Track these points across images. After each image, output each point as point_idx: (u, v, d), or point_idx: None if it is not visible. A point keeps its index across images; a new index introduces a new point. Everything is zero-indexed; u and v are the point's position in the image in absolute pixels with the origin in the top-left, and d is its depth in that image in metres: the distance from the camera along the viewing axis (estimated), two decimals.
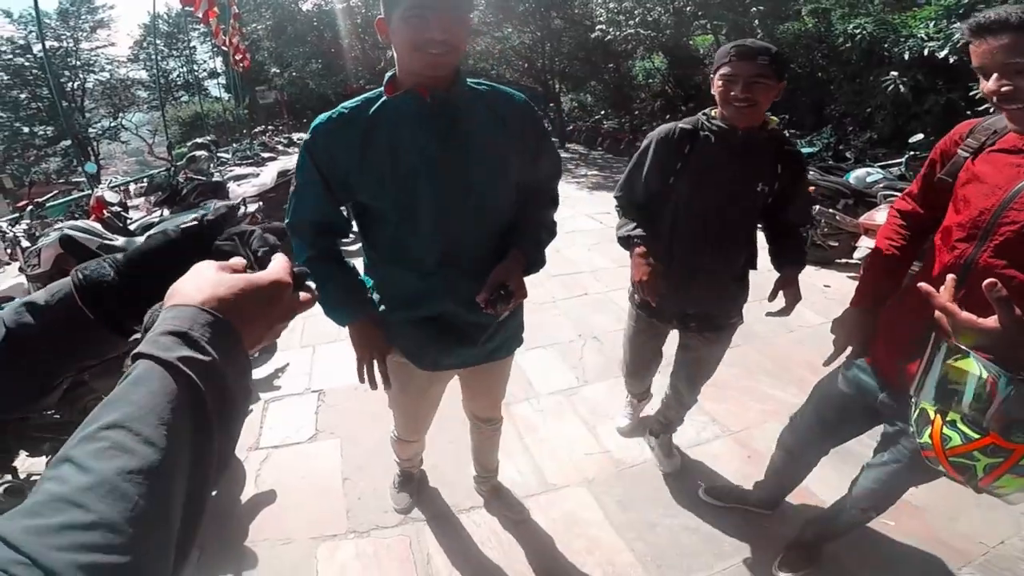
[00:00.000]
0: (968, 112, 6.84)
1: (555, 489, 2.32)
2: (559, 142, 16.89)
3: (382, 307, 1.44)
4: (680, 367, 2.15)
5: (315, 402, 3.02)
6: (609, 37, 11.37)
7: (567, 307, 4.17)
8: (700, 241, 1.76)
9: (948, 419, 0.98)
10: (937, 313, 0.92)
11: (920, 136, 5.64)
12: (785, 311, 1.78)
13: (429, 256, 1.29)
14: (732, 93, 1.54)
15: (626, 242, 1.82)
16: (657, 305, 1.86)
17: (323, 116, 1.25)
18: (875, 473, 1.55)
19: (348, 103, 1.25)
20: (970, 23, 1.09)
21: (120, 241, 3.79)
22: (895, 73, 7.83)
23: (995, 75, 1.06)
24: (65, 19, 32.02)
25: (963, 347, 0.92)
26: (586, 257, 5.43)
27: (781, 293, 1.79)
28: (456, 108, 1.21)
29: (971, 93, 6.88)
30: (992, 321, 0.86)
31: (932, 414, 1.00)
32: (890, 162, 5.92)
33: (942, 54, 7.14)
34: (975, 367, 0.91)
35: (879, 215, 4.10)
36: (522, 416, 2.82)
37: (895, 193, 4.31)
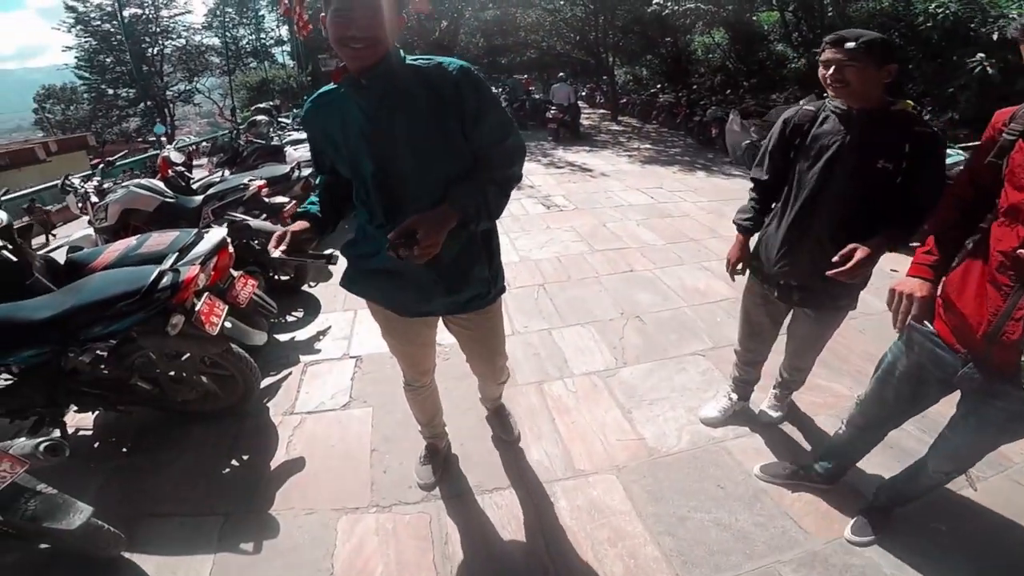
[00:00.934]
0: None
1: (583, 475, 2.25)
2: (611, 115, 16.47)
3: (357, 259, 1.63)
4: (789, 337, 2.28)
5: (352, 368, 3.04)
6: (667, 11, 10.87)
7: (610, 283, 4.04)
8: (815, 213, 1.84)
9: None
10: None
11: None
12: (845, 272, 1.61)
13: (376, 214, 1.49)
14: (825, 76, 1.69)
15: (737, 227, 2.13)
16: (765, 269, 2.04)
17: (310, 100, 1.52)
18: (959, 438, 1.57)
19: (326, 87, 1.49)
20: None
21: (179, 199, 3.94)
22: (982, 55, 7.22)
23: None
24: None
25: None
26: (634, 232, 5.27)
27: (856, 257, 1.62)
28: (388, 86, 1.35)
29: None
30: None
31: None
32: (972, 143, 5.45)
33: None
34: None
35: None
36: (554, 396, 2.76)
37: None
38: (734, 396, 2.54)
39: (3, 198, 2.98)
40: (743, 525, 1.99)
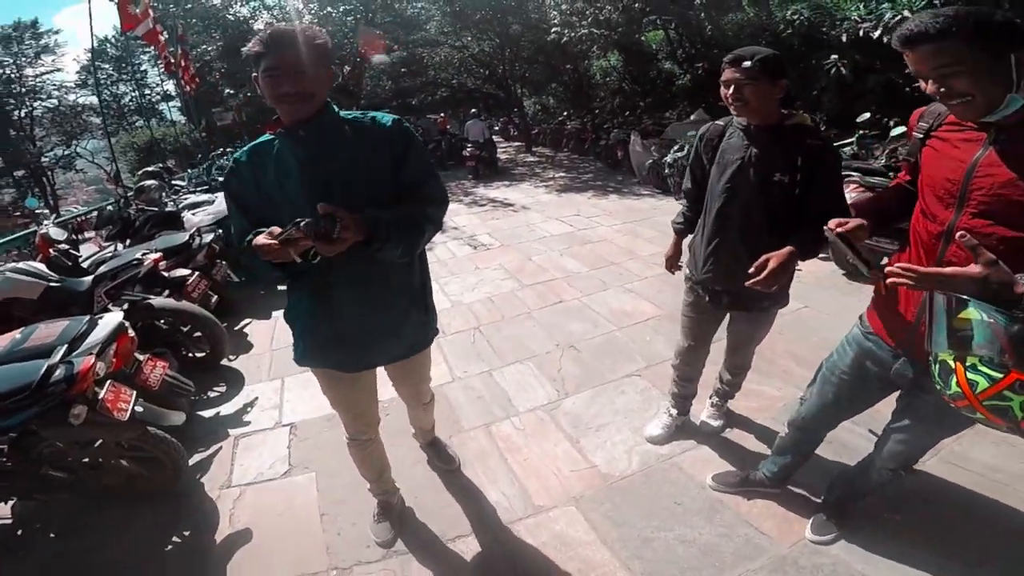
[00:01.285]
0: (907, 89, 7.07)
1: (543, 511, 2.22)
2: (525, 146, 16.72)
3: (300, 335, 1.75)
4: (728, 336, 2.39)
5: (287, 436, 2.88)
6: (565, 39, 11.35)
7: (542, 317, 4.06)
8: (725, 223, 1.97)
9: (968, 364, 1.07)
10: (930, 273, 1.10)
11: (867, 115, 5.71)
12: (760, 282, 1.62)
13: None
14: (726, 95, 1.82)
15: (673, 228, 2.34)
16: (694, 277, 2.17)
17: (240, 153, 1.54)
18: (899, 435, 1.62)
19: (257, 141, 1.53)
20: (897, 36, 1.22)
21: (67, 282, 3.56)
22: (835, 56, 8.02)
23: (929, 80, 1.21)
24: (7, 45, 30.83)
25: (961, 296, 1.05)
26: (559, 263, 5.33)
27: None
28: (323, 136, 1.45)
29: (907, 71, 7.15)
30: (973, 268, 1.05)
31: (952, 363, 1.10)
32: (842, 142, 6.00)
33: (876, 34, 7.36)
34: (976, 313, 1.03)
35: None
36: (503, 436, 2.72)
37: (851, 173, 4.34)
38: (674, 412, 2.58)
39: None
40: (707, 538, 2.02)
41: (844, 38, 7.81)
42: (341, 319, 1.62)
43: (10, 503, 2.51)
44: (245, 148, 1.54)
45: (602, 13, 10.86)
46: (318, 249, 1.29)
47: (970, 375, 1.07)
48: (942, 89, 1.19)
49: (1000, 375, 1.03)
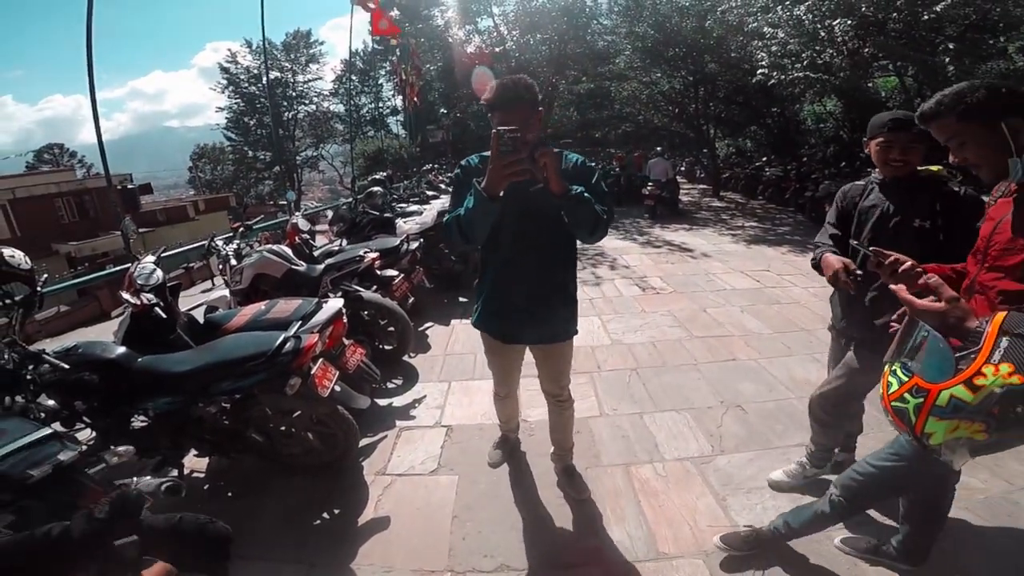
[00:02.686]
0: None
1: (666, 558, 2.16)
2: (712, 190, 15.99)
3: (480, 304, 2.24)
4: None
5: (442, 437, 3.15)
6: (773, 81, 10.48)
7: (708, 371, 3.86)
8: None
9: (892, 368, 1.22)
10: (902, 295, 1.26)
11: None
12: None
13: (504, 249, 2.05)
14: (891, 156, 1.92)
15: (816, 264, 2.11)
16: (842, 328, 2.23)
17: (476, 157, 2.05)
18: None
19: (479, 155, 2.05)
20: (916, 116, 1.46)
21: (303, 267, 4.30)
22: None
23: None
24: (287, 51, 37.63)
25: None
26: (737, 319, 4.97)
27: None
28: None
29: None
30: (937, 304, 1.19)
31: (888, 364, 1.26)
32: None
33: None
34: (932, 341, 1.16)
35: None
36: (642, 478, 2.68)
37: None
38: (809, 462, 2.53)
39: (163, 256, 3.40)
40: None
41: None
42: (506, 300, 2.12)
43: (208, 459, 2.91)
44: (475, 158, 2.06)
45: (821, 56, 9.94)
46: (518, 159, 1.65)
47: (890, 378, 1.21)
48: (958, 159, 1.40)
49: (906, 378, 1.17)
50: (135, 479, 1.77)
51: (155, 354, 2.56)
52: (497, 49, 18.28)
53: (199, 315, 3.31)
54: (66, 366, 2.29)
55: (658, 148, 15.70)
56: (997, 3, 8.68)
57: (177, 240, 11.73)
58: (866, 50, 9.79)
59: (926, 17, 8.68)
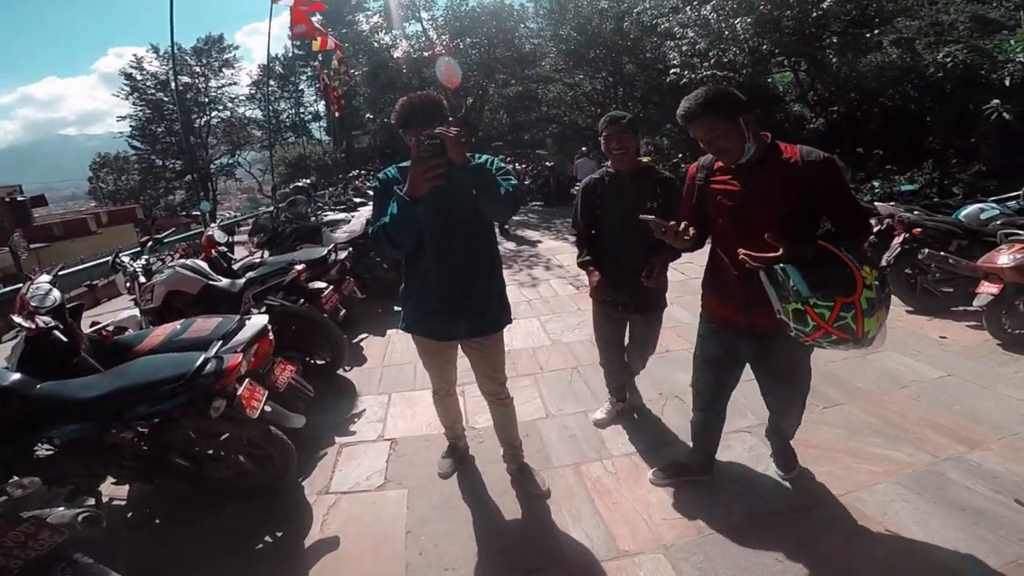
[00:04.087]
0: None
1: (627, 555, 2.14)
2: None
3: (407, 309, 2.31)
4: (630, 342, 2.99)
5: (387, 451, 3.02)
6: (684, 80, 10.94)
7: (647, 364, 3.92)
8: (620, 247, 2.66)
9: (813, 304, 1.64)
10: (749, 262, 1.76)
11: None
12: (650, 278, 2.55)
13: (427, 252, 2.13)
14: (611, 146, 2.56)
15: (584, 267, 2.79)
16: (603, 295, 2.74)
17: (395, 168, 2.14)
18: (774, 393, 2.27)
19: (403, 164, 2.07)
20: (677, 115, 1.93)
21: (222, 282, 4.02)
22: (997, 101, 7.17)
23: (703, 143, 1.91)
24: (198, 56, 35.58)
25: (779, 267, 1.71)
26: (668, 311, 5.04)
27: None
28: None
29: None
30: (772, 253, 1.72)
31: (803, 308, 1.66)
32: (1005, 196, 5.33)
33: None
34: (790, 273, 1.68)
35: (1003, 257, 3.64)
36: (593, 477, 2.67)
37: (1018, 231, 3.85)
38: (615, 401, 3.18)
39: (60, 274, 3.11)
40: None
41: (1008, 82, 7.06)
42: (435, 299, 2.17)
43: (128, 486, 2.75)
44: (395, 167, 2.15)
45: (726, 55, 10.51)
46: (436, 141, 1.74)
47: (817, 311, 1.63)
48: (714, 149, 1.91)
49: (832, 303, 1.61)
50: (48, 511, 1.66)
51: (58, 379, 2.36)
52: (426, 53, 18.08)
53: None
54: None
55: (583, 148, 16.08)
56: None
57: (77, 256, 10.71)
58: (764, 47, 10.40)
59: (815, 14, 9.42)
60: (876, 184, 7.09)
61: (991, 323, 3.78)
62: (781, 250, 1.69)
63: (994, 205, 4.73)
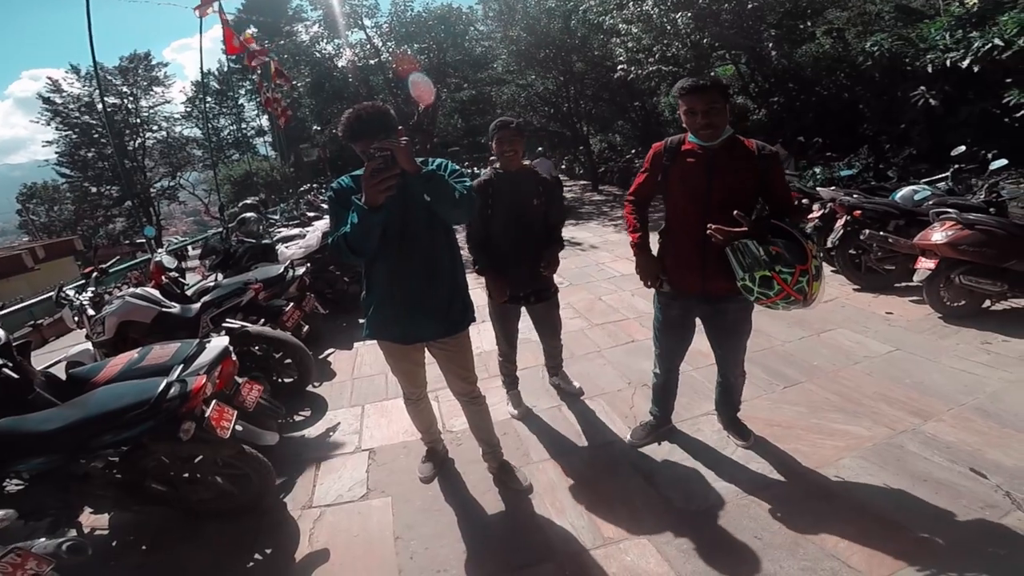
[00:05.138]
0: (1006, 119, 6.62)
1: (613, 542, 2.20)
2: (592, 184, 16.75)
3: (369, 316, 2.29)
4: (540, 329, 3.29)
5: (366, 461, 3.01)
6: (631, 76, 11.31)
7: (613, 355, 4.02)
8: (513, 243, 2.85)
9: (778, 270, 1.94)
10: (717, 236, 2.07)
11: (962, 148, 5.35)
12: (548, 268, 2.90)
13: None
14: (503, 148, 2.79)
15: (482, 272, 2.91)
16: (501, 293, 2.88)
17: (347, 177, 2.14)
18: (725, 347, 2.53)
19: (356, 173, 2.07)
20: (680, 87, 2.20)
21: (176, 309, 3.88)
22: (923, 88, 7.62)
23: (699, 114, 2.14)
24: (124, 76, 33.15)
25: (741, 241, 2.04)
26: (630, 303, 5.22)
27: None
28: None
29: (1004, 100, 6.66)
30: (739, 228, 2.04)
31: (769, 274, 1.96)
32: (935, 177, 5.69)
33: (965, 63, 6.96)
34: (752, 246, 2.00)
35: (936, 234, 3.89)
36: (573, 469, 2.72)
37: (947, 210, 4.12)
38: (510, 384, 3.36)
39: (1, 314, 2.99)
40: (790, 572, 1.96)
41: (930, 69, 7.48)
42: (399, 303, 2.18)
43: (109, 515, 2.71)
44: (346, 177, 2.15)
45: (669, 50, 10.80)
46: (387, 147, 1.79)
47: (782, 276, 1.93)
48: (706, 120, 2.12)
49: (793, 270, 1.93)
50: (31, 543, 1.66)
51: (12, 415, 2.28)
52: (372, 61, 17.80)
53: (60, 372, 2.94)
54: None
55: (539, 148, 16.23)
56: None
57: (16, 295, 10.15)
58: (705, 40, 10.74)
59: (750, 6, 9.79)
60: (817, 170, 7.43)
61: (931, 297, 4.02)
62: (746, 225, 2.01)
63: (926, 187, 5.05)
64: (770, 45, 10.51)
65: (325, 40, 19.48)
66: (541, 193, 2.85)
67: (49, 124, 32.35)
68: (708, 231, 2.08)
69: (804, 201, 5.80)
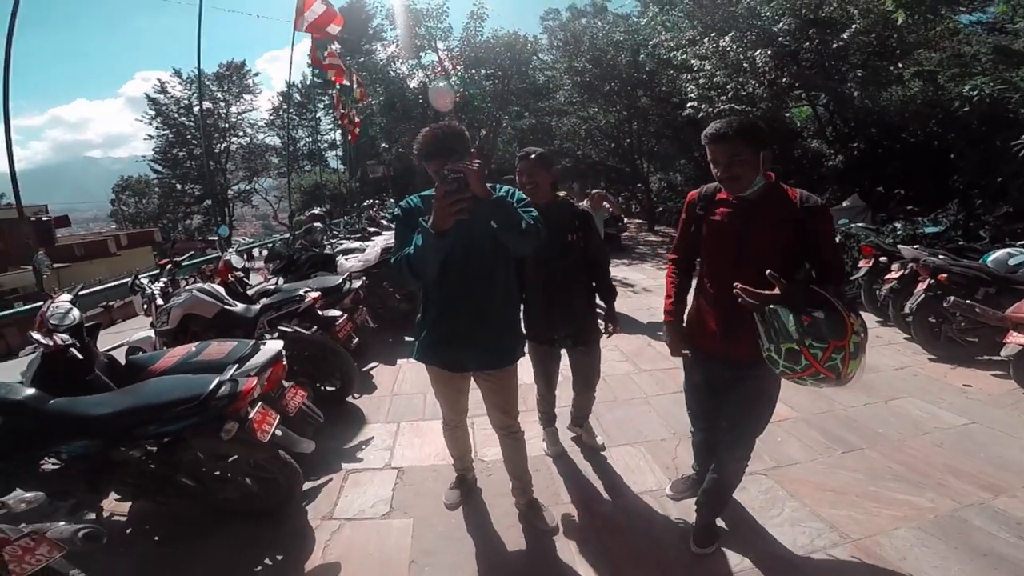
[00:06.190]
0: None
1: None
2: (648, 224, 16.34)
3: (421, 338, 2.26)
4: (574, 375, 3.03)
5: (393, 479, 2.99)
6: (702, 114, 10.68)
7: (659, 403, 3.84)
8: (549, 283, 2.70)
9: (808, 345, 1.66)
10: (745, 298, 1.77)
11: None
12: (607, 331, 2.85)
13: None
14: (523, 180, 2.69)
15: None
16: (535, 333, 2.76)
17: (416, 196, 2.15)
18: (735, 419, 2.16)
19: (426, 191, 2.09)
20: (704, 135, 1.93)
21: (238, 308, 4.03)
22: None
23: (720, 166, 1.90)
24: (220, 82, 35.72)
25: (770, 307, 1.74)
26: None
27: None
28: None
29: None
30: (770, 291, 1.73)
31: (797, 348, 1.68)
32: None
33: None
34: (782, 314, 1.71)
35: None
36: (604, 515, 2.61)
37: None
38: (547, 427, 3.19)
39: (80, 294, 3.20)
40: None
41: None
42: (451, 330, 2.16)
43: (129, 503, 2.76)
44: (415, 196, 2.16)
45: (744, 88, 10.43)
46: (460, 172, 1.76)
47: (812, 351, 1.66)
48: (728, 173, 1.89)
49: (825, 345, 1.65)
50: (48, 524, 1.66)
51: (71, 396, 2.40)
52: (442, 84, 18.39)
53: (120, 356, 3.08)
54: None
55: (602, 184, 15.93)
56: (894, 30, 9.33)
57: (96, 276, 10.89)
58: (784, 80, 10.32)
59: (835, 45, 9.35)
60: (898, 225, 6.83)
61: (1019, 373, 3.66)
62: (778, 289, 1.72)
63: (1022, 250, 4.58)
64: (853, 87, 9.96)
65: (400, 60, 20.21)
66: (577, 228, 2.70)
67: (151, 123, 35.30)
68: (735, 291, 1.80)
69: (882, 259, 5.39)
